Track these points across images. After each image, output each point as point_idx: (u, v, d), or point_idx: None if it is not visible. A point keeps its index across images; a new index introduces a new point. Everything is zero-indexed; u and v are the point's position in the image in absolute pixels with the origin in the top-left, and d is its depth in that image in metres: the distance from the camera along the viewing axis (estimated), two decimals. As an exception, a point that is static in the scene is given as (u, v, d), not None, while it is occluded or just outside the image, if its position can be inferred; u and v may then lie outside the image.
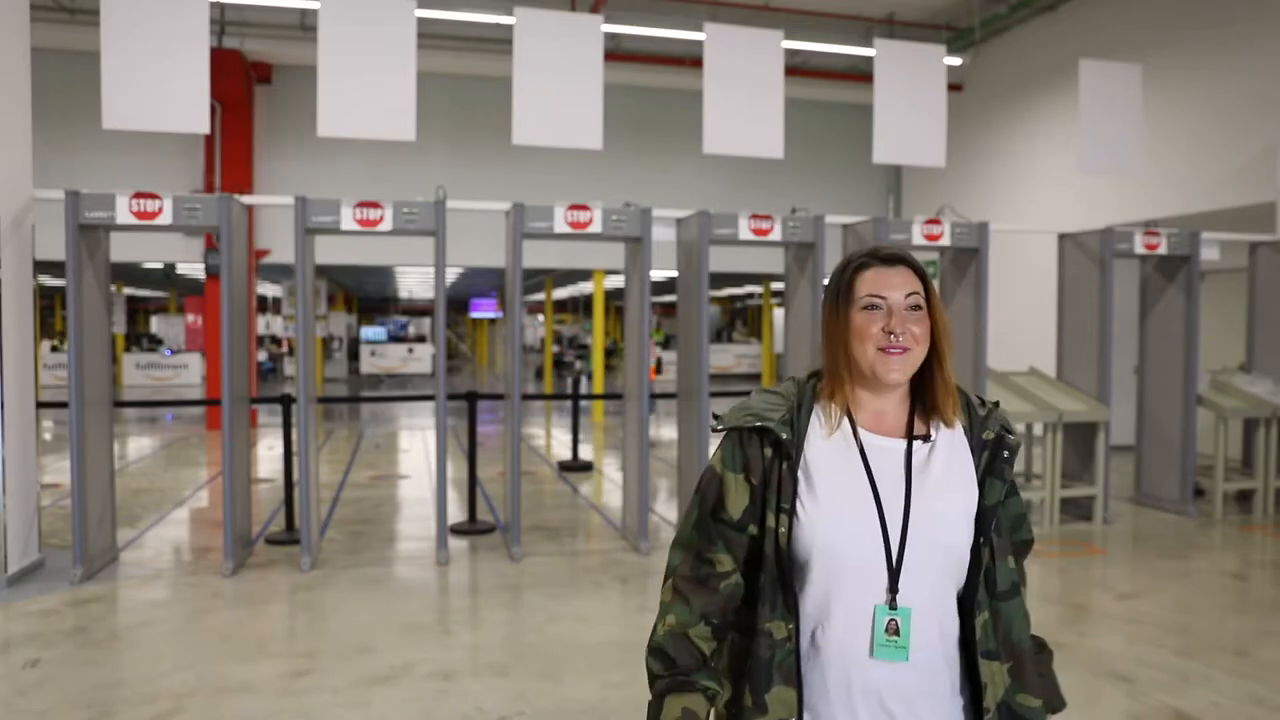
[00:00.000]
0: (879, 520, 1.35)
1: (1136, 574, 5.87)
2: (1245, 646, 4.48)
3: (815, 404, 1.44)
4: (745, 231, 6.26)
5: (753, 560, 1.43)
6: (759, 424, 1.40)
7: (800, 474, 1.39)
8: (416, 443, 12.03)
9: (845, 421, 1.42)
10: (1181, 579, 5.78)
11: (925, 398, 1.43)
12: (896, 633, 1.33)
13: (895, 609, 1.33)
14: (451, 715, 3.69)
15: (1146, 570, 5.94)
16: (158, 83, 5.47)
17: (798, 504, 1.37)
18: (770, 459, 1.40)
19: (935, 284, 7.47)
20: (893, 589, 1.33)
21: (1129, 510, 7.62)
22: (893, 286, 1.39)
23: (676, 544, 1.49)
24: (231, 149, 12.58)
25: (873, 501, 1.36)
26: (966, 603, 1.39)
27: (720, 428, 1.46)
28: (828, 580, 1.35)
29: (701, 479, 1.48)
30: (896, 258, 1.41)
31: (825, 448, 1.40)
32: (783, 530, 1.37)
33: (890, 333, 1.36)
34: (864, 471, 1.38)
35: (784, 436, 1.39)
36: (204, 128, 5.64)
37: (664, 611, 1.45)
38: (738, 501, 1.42)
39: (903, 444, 1.41)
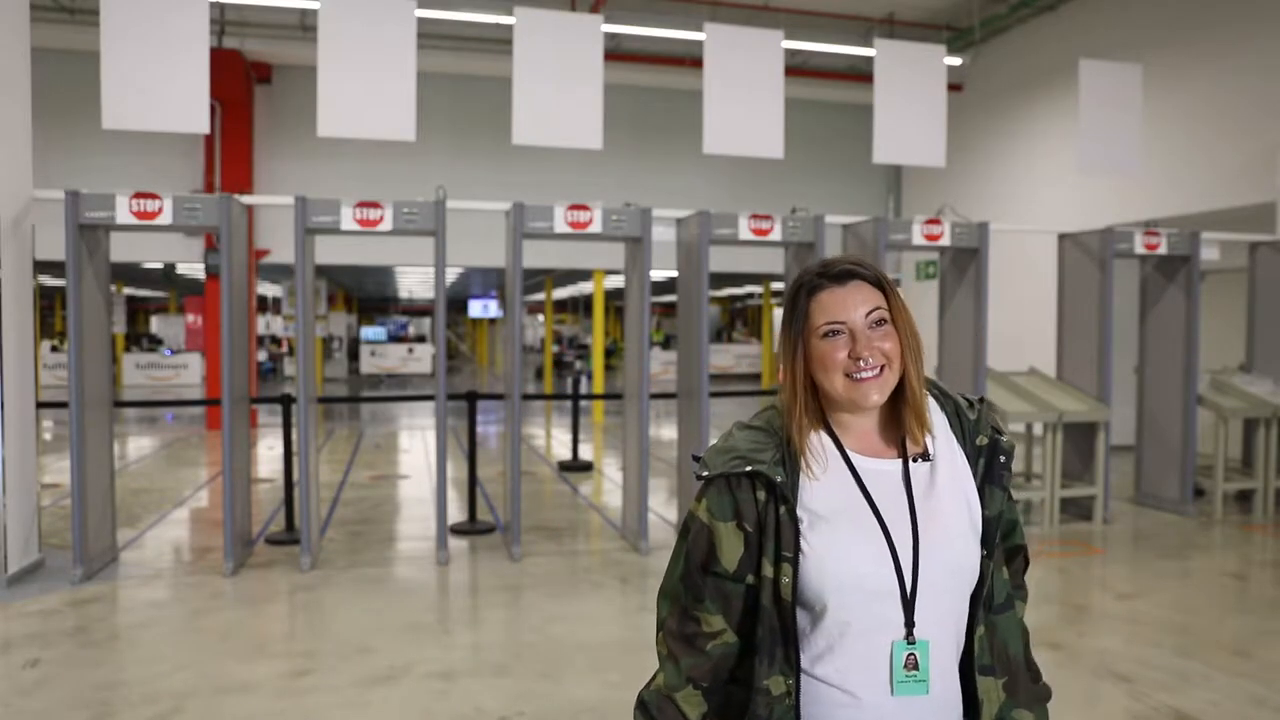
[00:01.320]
0: (890, 553, 1.26)
1: (1136, 574, 5.87)
2: (1245, 646, 4.48)
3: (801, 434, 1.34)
4: (745, 231, 6.27)
5: (749, 611, 1.32)
6: (749, 468, 1.29)
7: (800, 515, 1.28)
8: (416, 443, 12.02)
9: (833, 447, 1.32)
10: (1181, 579, 5.78)
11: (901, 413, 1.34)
12: (916, 667, 1.25)
13: (913, 643, 1.25)
14: (451, 715, 3.69)
15: (1146, 570, 5.94)
16: (157, 83, 5.47)
17: (802, 545, 1.26)
18: (764, 503, 1.29)
19: (935, 283, 7.39)
20: (909, 623, 1.25)
21: (1129, 510, 7.62)
22: (851, 306, 1.29)
23: (663, 593, 1.40)
24: (231, 149, 12.57)
25: (880, 533, 1.26)
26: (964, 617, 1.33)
27: (705, 474, 1.32)
28: (838, 623, 1.26)
29: (685, 528, 1.36)
30: (849, 273, 1.32)
31: (819, 481, 1.30)
32: (785, 580, 1.26)
33: (857, 359, 1.28)
34: (864, 501, 1.28)
35: (778, 479, 1.28)
36: (204, 128, 5.64)
37: (660, 665, 1.37)
38: (732, 552, 1.30)
39: (898, 464, 1.32)
